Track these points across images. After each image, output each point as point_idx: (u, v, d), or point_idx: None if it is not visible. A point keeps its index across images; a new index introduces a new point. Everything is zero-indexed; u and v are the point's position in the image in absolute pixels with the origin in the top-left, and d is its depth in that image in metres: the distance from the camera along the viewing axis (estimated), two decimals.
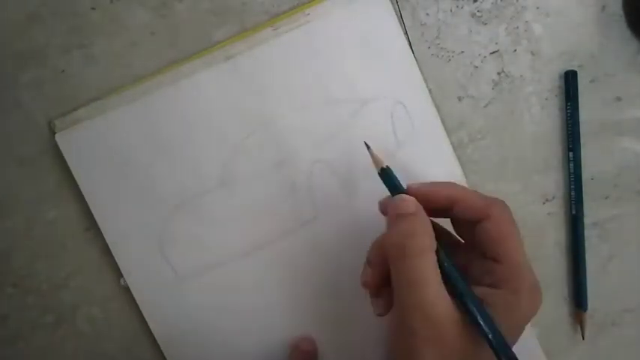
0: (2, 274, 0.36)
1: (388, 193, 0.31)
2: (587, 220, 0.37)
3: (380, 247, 0.31)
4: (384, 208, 0.31)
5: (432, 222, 0.29)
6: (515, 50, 0.36)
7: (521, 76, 0.36)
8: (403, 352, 0.28)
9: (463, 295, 0.28)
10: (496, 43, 0.36)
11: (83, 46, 0.35)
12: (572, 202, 0.37)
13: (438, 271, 0.28)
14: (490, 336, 0.27)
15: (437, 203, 0.30)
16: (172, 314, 0.36)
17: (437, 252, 0.28)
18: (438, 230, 0.31)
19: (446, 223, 0.32)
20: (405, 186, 0.31)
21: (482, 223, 0.29)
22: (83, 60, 0.35)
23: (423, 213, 0.29)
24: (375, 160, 0.31)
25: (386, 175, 0.31)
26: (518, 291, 0.28)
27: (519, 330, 0.29)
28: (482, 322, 0.27)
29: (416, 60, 0.36)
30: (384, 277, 0.30)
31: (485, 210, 0.29)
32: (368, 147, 0.32)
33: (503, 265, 0.29)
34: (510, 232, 0.30)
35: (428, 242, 0.28)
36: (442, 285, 0.28)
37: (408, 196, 0.30)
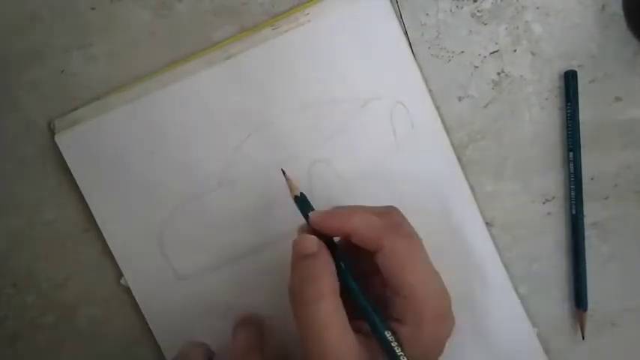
0: (2, 274, 0.36)
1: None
2: (587, 220, 0.37)
3: None
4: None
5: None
6: (515, 50, 0.36)
7: (521, 76, 0.36)
8: None
9: (376, 326, 0.28)
10: (496, 43, 0.36)
11: (83, 46, 0.35)
12: (572, 202, 0.37)
13: (341, 313, 0.27)
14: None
15: (335, 234, 0.29)
16: (172, 314, 0.36)
17: (342, 291, 0.28)
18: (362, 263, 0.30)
19: None
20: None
21: (376, 255, 0.28)
22: (83, 60, 0.35)
23: (323, 253, 0.28)
24: (291, 186, 0.31)
25: (300, 203, 0.31)
26: (420, 325, 0.28)
27: None
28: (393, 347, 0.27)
29: (416, 60, 0.36)
30: None
31: (377, 241, 0.28)
32: (284, 173, 0.32)
33: (402, 299, 0.28)
34: (405, 262, 0.28)
35: (326, 286, 0.27)
36: (345, 326, 0.27)
37: (309, 236, 0.29)
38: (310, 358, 0.27)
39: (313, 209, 0.30)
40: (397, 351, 0.27)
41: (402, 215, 0.31)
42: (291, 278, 0.28)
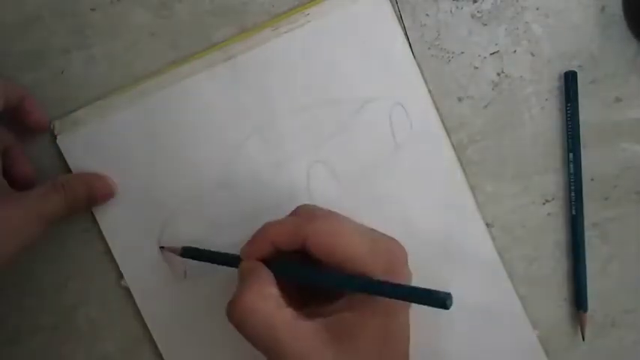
0: (2, 275, 0.36)
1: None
2: (587, 220, 0.37)
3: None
4: None
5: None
6: (515, 51, 0.36)
7: (521, 76, 0.36)
8: None
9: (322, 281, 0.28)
10: (496, 44, 0.36)
11: (83, 47, 0.35)
12: (572, 202, 0.37)
13: (283, 311, 0.27)
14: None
15: (264, 254, 0.29)
16: (172, 314, 0.36)
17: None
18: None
19: None
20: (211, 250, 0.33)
21: (307, 250, 0.28)
22: (83, 61, 0.35)
23: (256, 269, 0.29)
24: (173, 251, 0.34)
25: (190, 253, 0.33)
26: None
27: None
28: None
29: (416, 61, 0.36)
30: None
31: (298, 238, 0.28)
32: (162, 248, 0.35)
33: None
34: (332, 239, 0.28)
35: (258, 294, 0.27)
36: (294, 322, 0.27)
37: (241, 263, 0.30)
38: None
39: (200, 249, 0.33)
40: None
41: (309, 205, 0.31)
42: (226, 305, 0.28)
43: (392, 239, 0.30)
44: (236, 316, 0.27)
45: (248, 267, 0.29)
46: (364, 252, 0.28)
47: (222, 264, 0.32)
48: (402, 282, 0.28)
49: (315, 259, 0.29)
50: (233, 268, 0.36)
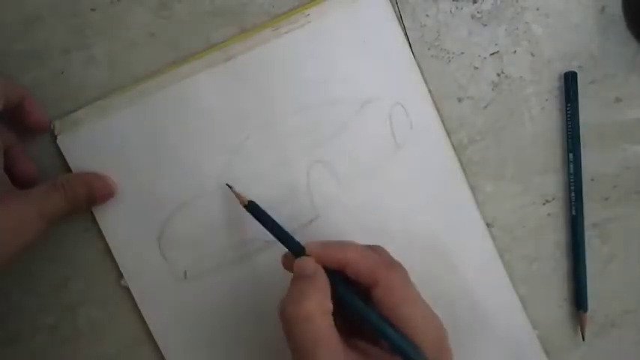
0: (2, 275, 0.36)
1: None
2: (587, 221, 0.37)
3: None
4: (286, 264, 0.31)
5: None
6: (515, 51, 0.36)
7: (521, 77, 0.36)
8: None
9: (399, 345, 0.28)
10: (496, 44, 0.36)
11: (83, 47, 0.35)
12: (572, 203, 0.37)
13: (332, 330, 0.27)
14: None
15: (331, 265, 0.30)
16: (172, 314, 0.36)
17: (339, 300, 0.29)
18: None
19: None
20: (275, 219, 0.32)
21: (373, 291, 0.29)
22: (83, 61, 0.35)
23: (320, 274, 0.29)
24: (238, 196, 0.33)
25: (252, 210, 0.32)
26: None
27: None
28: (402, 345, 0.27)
29: (416, 61, 0.36)
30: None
31: (372, 276, 0.29)
32: (230, 187, 0.34)
33: (401, 330, 0.28)
34: (401, 298, 0.29)
35: (316, 306, 0.28)
36: (336, 343, 0.27)
37: (306, 259, 0.30)
38: None
39: (267, 213, 0.32)
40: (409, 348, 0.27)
41: (388, 253, 0.31)
42: (284, 298, 0.29)
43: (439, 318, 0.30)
44: (290, 317, 0.28)
45: (313, 268, 0.29)
46: (427, 323, 0.29)
47: (280, 239, 0.31)
48: (448, 359, 0.29)
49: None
50: (232, 270, 0.36)
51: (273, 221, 0.32)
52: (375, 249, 0.31)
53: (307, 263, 0.29)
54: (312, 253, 0.30)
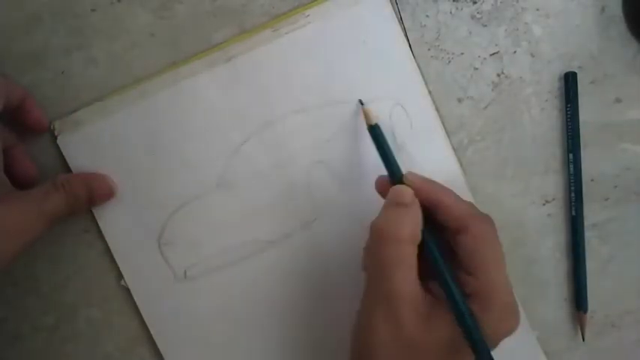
0: (2, 275, 0.36)
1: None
2: (587, 221, 0.37)
3: None
4: (380, 187, 0.32)
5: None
6: (515, 52, 0.36)
7: (520, 77, 0.36)
8: (362, 327, 0.29)
9: (447, 283, 0.28)
10: (496, 45, 0.36)
11: (83, 48, 0.35)
12: (572, 203, 0.37)
13: (414, 261, 0.28)
14: (470, 330, 0.27)
15: (423, 201, 0.30)
16: (172, 315, 0.36)
17: (422, 244, 0.29)
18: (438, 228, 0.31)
19: None
20: (393, 150, 0.32)
21: (460, 235, 0.29)
22: (83, 61, 0.35)
23: (416, 206, 0.30)
24: (367, 115, 0.33)
25: (374, 132, 0.32)
26: (488, 309, 0.28)
27: None
28: (465, 314, 0.28)
29: (416, 61, 0.36)
30: None
31: (464, 222, 0.29)
32: (362, 104, 0.34)
33: (475, 280, 0.29)
34: (488, 249, 0.29)
35: (409, 233, 0.29)
36: (414, 274, 0.28)
37: (406, 188, 0.30)
38: (373, 296, 0.29)
39: (386, 141, 0.32)
40: (469, 321, 0.28)
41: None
42: (378, 218, 0.30)
43: None
44: (383, 235, 0.29)
45: (410, 198, 0.30)
46: (503, 279, 0.29)
47: (384, 161, 0.32)
48: (513, 323, 0.29)
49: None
50: (232, 270, 0.36)
51: (388, 147, 0.32)
52: (470, 202, 0.31)
53: (406, 192, 0.30)
54: (410, 184, 0.30)
